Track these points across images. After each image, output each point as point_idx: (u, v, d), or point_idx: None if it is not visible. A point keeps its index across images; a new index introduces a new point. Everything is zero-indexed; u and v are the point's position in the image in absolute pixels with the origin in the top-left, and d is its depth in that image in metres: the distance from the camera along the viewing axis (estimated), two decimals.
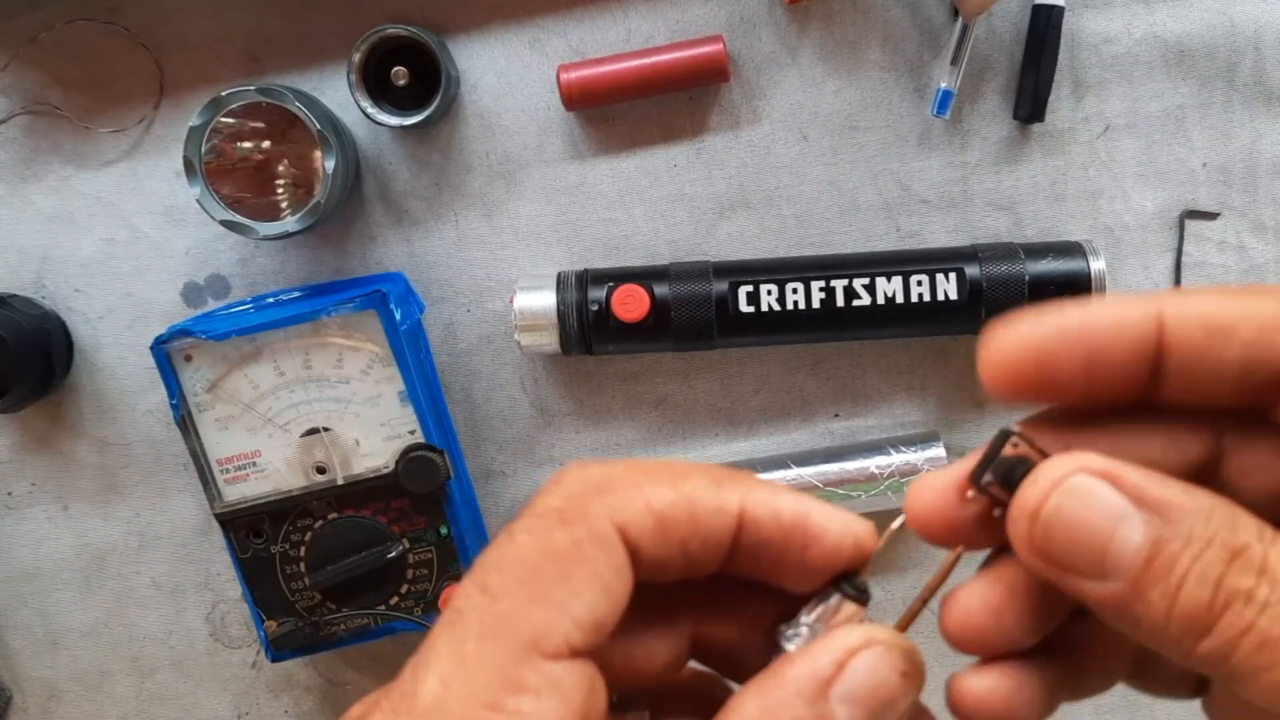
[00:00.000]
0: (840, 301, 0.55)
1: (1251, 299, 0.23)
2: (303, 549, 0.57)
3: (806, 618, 0.26)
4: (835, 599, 0.26)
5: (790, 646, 0.25)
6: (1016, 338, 0.24)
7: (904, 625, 0.26)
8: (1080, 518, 0.23)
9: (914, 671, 0.24)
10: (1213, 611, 0.21)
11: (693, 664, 0.29)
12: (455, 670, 0.23)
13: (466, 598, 0.24)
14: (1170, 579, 0.22)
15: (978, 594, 0.25)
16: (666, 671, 0.28)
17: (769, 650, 0.26)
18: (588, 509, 0.24)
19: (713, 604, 0.28)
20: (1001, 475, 0.24)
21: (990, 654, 0.26)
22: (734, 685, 0.28)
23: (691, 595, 0.28)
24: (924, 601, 0.26)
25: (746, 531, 0.25)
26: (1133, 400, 0.24)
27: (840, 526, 0.26)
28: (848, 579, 0.26)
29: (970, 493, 0.25)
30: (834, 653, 0.24)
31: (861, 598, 0.26)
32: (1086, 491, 0.23)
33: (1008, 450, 0.24)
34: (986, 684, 0.25)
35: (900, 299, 0.55)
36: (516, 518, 0.25)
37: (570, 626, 0.23)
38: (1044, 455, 0.24)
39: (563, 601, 0.23)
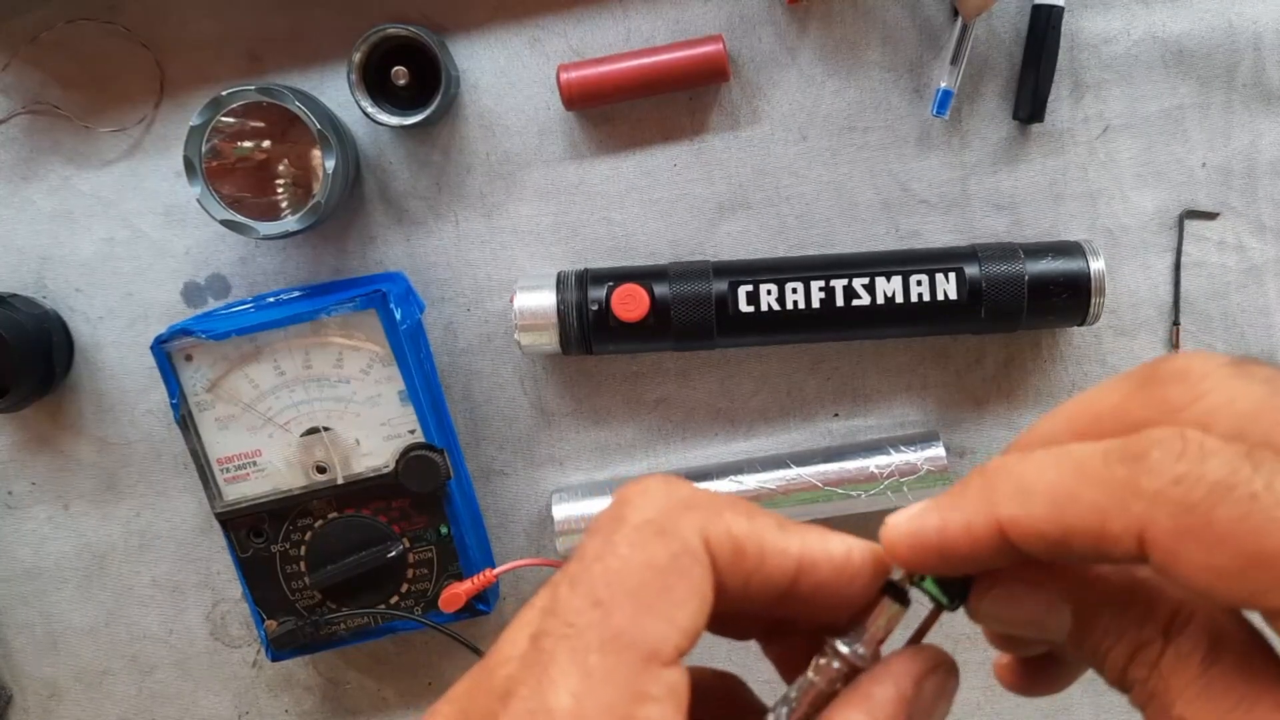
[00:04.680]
0: (840, 301, 0.55)
1: (1079, 511, 0.23)
2: (303, 548, 0.57)
3: (863, 622, 0.28)
4: (883, 602, 0.28)
5: (845, 650, 0.27)
6: (895, 542, 0.27)
7: (920, 635, 0.28)
8: (1014, 609, 0.27)
9: (956, 671, 0.28)
10: (1124, 685, 0.25)
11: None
12: (584, 685, 0.23)
13: (579, 613, 0.24)
14: (1096, 656, 0.25)
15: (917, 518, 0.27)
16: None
17: (800, 652, 0.28)
18: (680, 523, 0.26)
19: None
20: (940, 580, 0.27)
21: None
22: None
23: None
24: (934, 619, 0.28)
25: (805, 577, 0.27)
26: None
27: (872, 553, 0.28)
28: (892, 587, 0.28)
29: (901, 581, 0.28)
30: (909, 681, 0.27)
31: (904, 599, 0.28)
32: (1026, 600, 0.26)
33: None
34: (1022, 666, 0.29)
35: (900, 299, 0.55)
36: (604, 527, 0.26)
37: (679, 636, 0.24)
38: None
39: (669, 613, 0.25)
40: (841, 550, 0.27)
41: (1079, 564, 0.26)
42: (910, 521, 0.26)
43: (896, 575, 0.28)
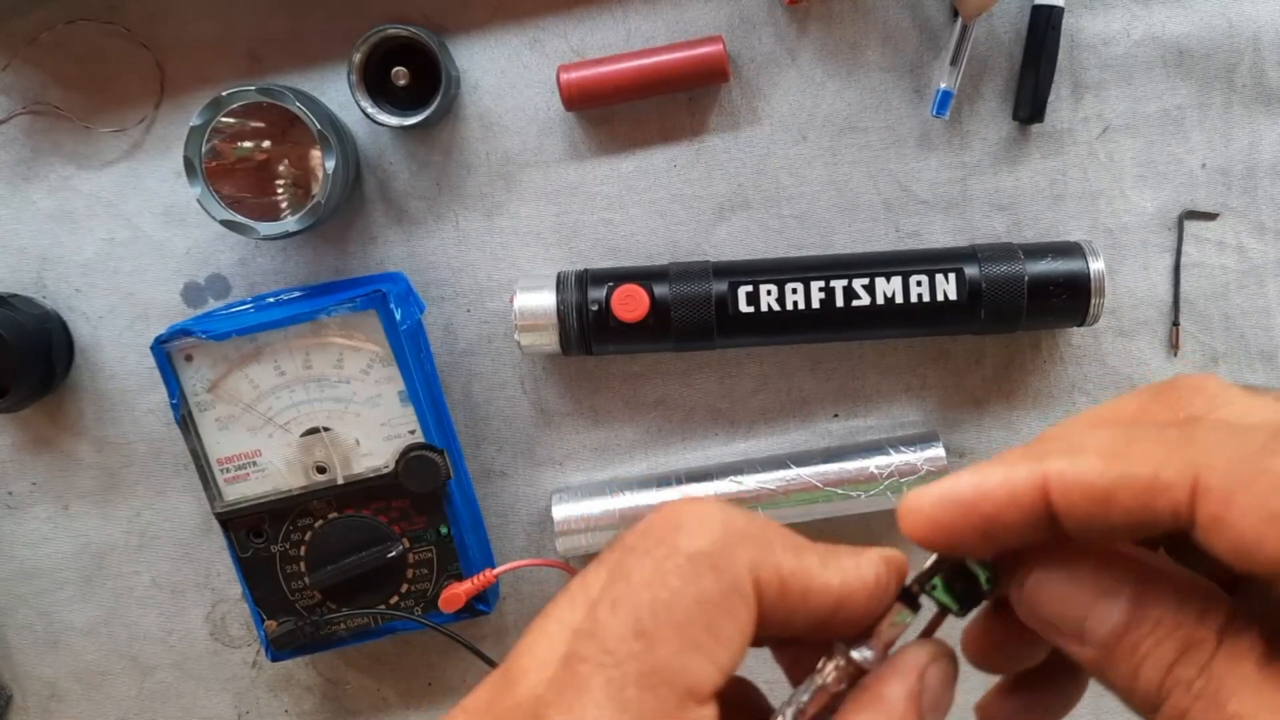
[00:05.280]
0: (840, 302, 0.55)
1: (1130, 462, 0.23)
2: (303, 548, 0.57)
3: (876, 630, 0.28)
4: (895, 607, 0.28)
5: (857, 655, 0.27)
6: (919, 511, 0.26)
7: (929, 633, 0.29)
8: (1065, 590, 0.25)
9: (956, 662, 0.28)
10: (1161, 692, 0.23)
11: None
12: (619, 718, 0.23)
13: (619, 639, 0.24)
14: (1135, 656, 0.24)
15: (982, 632, 0.28)
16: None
17: (809, 653, 0.28)
18: (735, 560, 0.25)
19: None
20: (953, 588, 0.27)
21: (1004, 672, 0.29)
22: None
23: None
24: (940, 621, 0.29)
25: (844, 608, 0.27)
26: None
27: (885, 562, 0.28)
28: (905, 593, 0.28)
29: (912, 589, 0.28)
30: (908, 677, 0.27)
31: (915, 604, 0.28)
32: (1071, 572, 0.25)
33: (949, 565, 0.27)
34: (1007, 708, 0.28)
35: (900, 299, 0.55)
36: (653, 549, 0.25)
37: (719, 674, 0.24)
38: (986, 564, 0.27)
39: (713, 651, 0.24)
40: (873, 574, 0.27)
41: (1113, 540, 0.25)
42: (938, 487, 0.26)
43: (909, 580, 0.28)
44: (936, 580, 0.27)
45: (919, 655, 0.27)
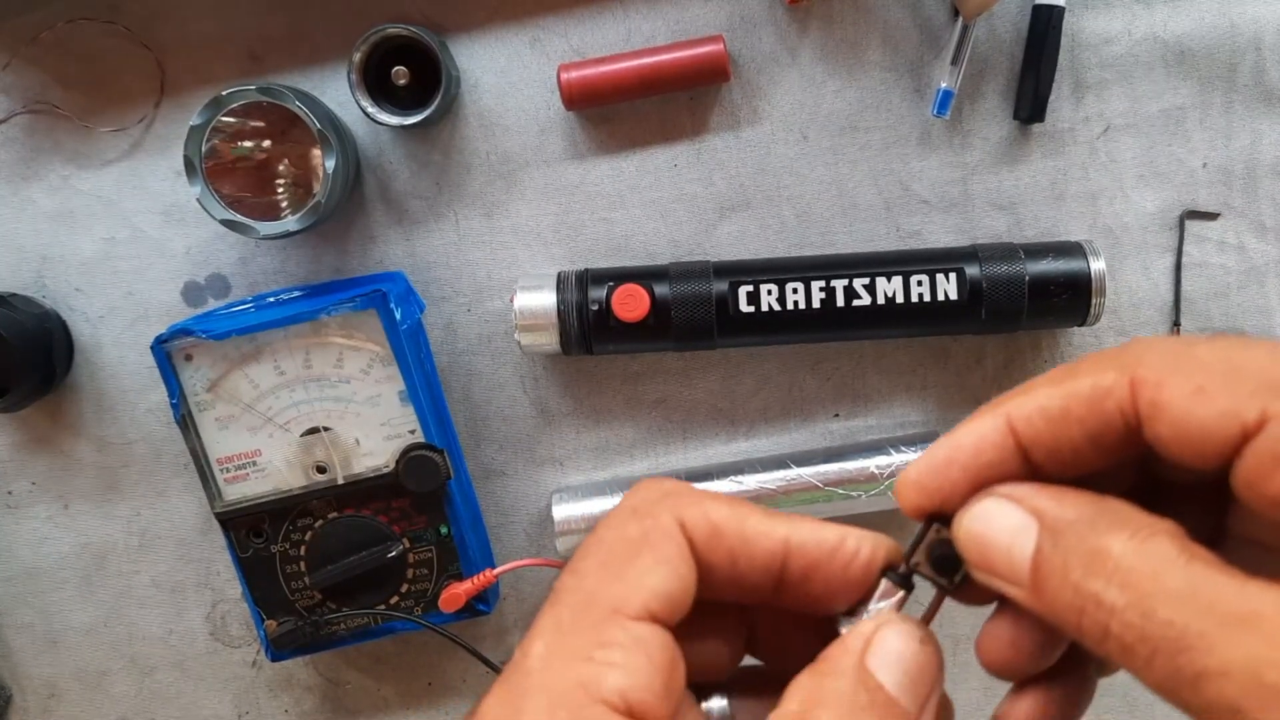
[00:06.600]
0: (840, 301, 0.55)
1: (1076, 378, 0.26)
2: (303, 548, 0.57)
3: (862, 607, 0.29)
4: (883, 586, 0.29)
5: (843, 630, 0.29)
6: (907, 483, 0.28)
7: (927, 619, 0.29)
8: (984, 532, 0.26)
9: (931, 639, 0.28)
10: (1080, 615, 0.24)
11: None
12: (555, 637, 0.27)
13: (561, 582, 0.28)
14: (1048, 585, 0.25)
15: (995, 633, 0.29)
16: (730, 665, 0.32)
17: (821, 643, 0.29)
18: (656, 507, 0.29)
19: (763, 613, 0.32)
20: (931, 556, 0.28)
21: (1020, 677, 0.29)
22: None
23: (745, 610, 0.32)
24: (938, 605, 0.29)
25: (793, 557, 0.29)
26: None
27: (871, 540, 0.30)
28: (890, 571, 0.29)
29: (901, 568, 0.29)
30: (865, 629, 0.28)
31: (905, 584, 0.29)
32: (989, 511, 0.27)
33: (931, 536, 0.28)
34: (1021, 712, 0.29)
35: (900, 299, 0.55)
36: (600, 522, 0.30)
37: (647, 595, 0.27)
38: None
39: (637, 577, 0.27)
40: (834, 536, 0.29)
41: (1089, 464, 0.26)
42: (920, 458, 0.28)
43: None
44: (920, 555, 0.29)
45: (873, 620, 0.28)
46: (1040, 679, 0.29)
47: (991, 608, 0.30)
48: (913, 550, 0.29)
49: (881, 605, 0.29)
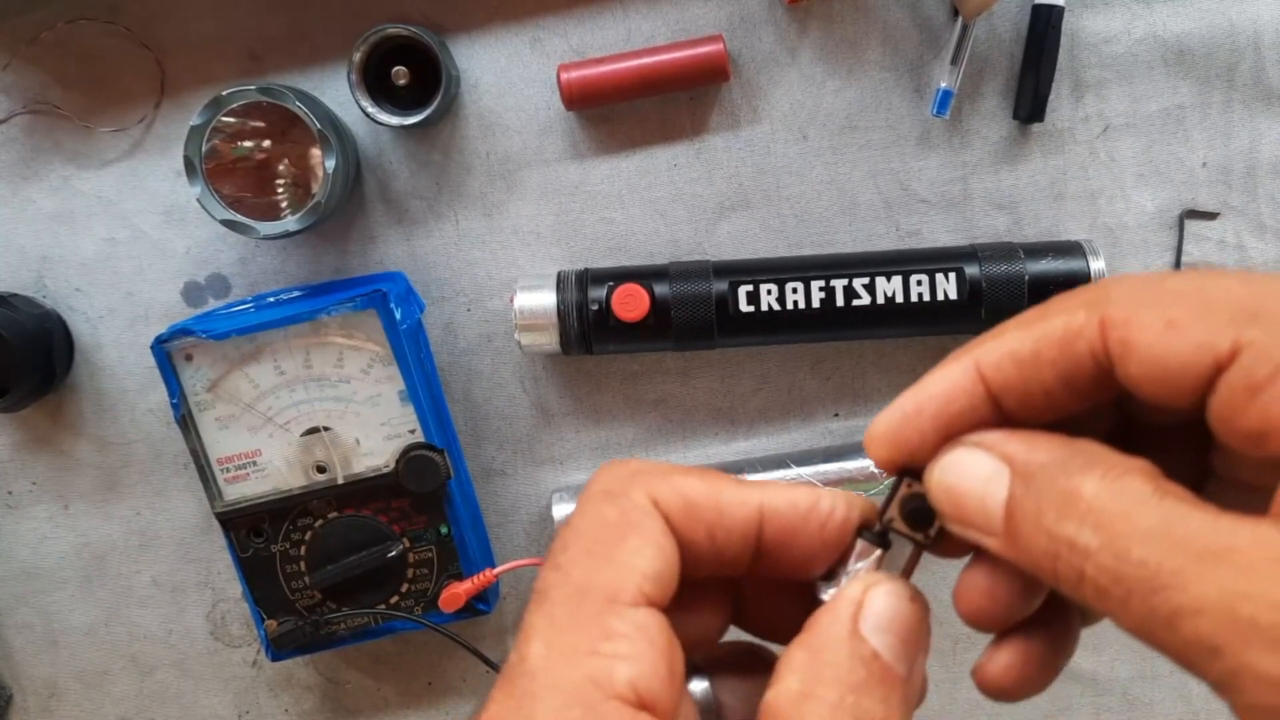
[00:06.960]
0: (840, 301, 0.55)
1: (1046, 320, 0.25)
2: (303, 548, 0.57)
3: (840, 568, 0.29)
4: (859, 545, 0.29)
5: (825, 596, 0.28)
6: (875, 435, 0.27)
7: (906, 574, 0.29)
8: (956, 482, 0.26)
9: (919, 596, 0.27)
10: (1055, 561, 0.23)
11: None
12: (553, 635, 0.26)
13: (545, 579, 0.27)
14: (1022, 532, 0.24)
15: (971, 582, 0.28)
16: (713, 642, 0.31)
17: (805, 610, 0.28)
18: (627, 488, 0.28)
19: (749, 585, 0.32)
20: (904, 511, 0.28)
21: (1000, 627, 0.28)
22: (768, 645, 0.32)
23: (725, 584, 0.31)
24: (915, 560, 0.29)
25: (769, 523, 0.28)
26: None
27: (845, 500, 0.29)
28: (865, 530, 0.29)
29: (876, 526, 0.28)
30: (853, 593, 0.27)
31: (882, 541, 0.28)
32: (960, 461, 0.26)
33: (904, 490, 0.28)
34: (1001, 663, 0.28)
35: (900, 299, 0.55)
36: (578, 505, 0.29)
37: (639, 578, 0.26)
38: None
39: (625, 560, 0.26)
40: (808, 498, 0.29)
41: (1061, 409, 0.26)
42: (887, 410, 0.27)
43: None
44: (894, 511, 0.28)
45: (860, 581, 0.27)
46: (1020, 629, 0.28)
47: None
48: (886, 506, 0.28)
49: (859, 566, 0.28)
